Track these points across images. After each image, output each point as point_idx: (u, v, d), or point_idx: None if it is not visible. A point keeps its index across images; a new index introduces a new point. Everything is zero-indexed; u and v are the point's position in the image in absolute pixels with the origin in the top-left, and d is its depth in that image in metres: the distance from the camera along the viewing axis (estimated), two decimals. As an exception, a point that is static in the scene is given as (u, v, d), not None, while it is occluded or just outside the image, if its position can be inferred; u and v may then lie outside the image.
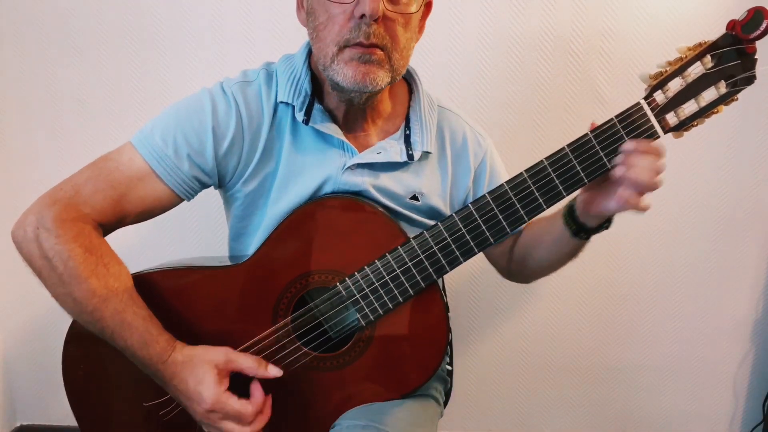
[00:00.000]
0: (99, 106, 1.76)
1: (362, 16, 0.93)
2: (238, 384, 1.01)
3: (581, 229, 1.04)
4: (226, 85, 1.08)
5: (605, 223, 1.04)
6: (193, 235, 1.86)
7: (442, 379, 1.31)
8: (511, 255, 1.25)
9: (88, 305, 0.95)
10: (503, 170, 1.25)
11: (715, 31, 0.92)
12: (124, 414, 1.09)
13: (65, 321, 1.01)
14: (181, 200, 1.08)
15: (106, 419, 1.10)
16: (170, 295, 1.06)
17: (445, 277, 1.41)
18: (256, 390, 1.02)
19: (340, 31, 0.96)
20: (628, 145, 0.93)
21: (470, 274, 1.88)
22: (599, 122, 0.96)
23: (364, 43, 0.95)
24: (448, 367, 1.36)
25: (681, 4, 1.63)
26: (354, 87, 0.98)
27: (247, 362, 1.01)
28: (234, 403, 0.96)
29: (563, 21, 1.66)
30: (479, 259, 1.80)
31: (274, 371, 1.03)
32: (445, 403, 1.31)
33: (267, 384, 1.03)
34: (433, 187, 1.15)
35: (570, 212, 1.05)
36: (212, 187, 1.13)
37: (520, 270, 1.25)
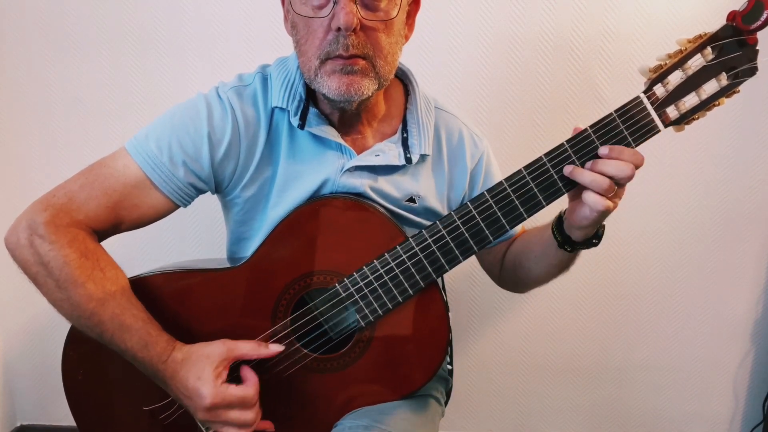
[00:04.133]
0: (97, 106, 1.76)
1: (338, 28, 0.93)
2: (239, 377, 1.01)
3: (566, 241, 1.04)
4: (222, 90, 1.08)
5: (593, 239, 1.04)
6: (193, 238, 1.86)
7: (443, 379, 1.31)
8: (502, 263, 1.25)
9: (86, 309, 0.94)
10: (498, 172, 1.24)
11: (716, 28, 0.92)
12: (125, 418, 1.09)
13: (65, 321, 1.00)
14: (177, 207, 1.08)
15: (106, 423, 1.10)
16: (169, 298, 1.06)
17: (444, 277, 1.41)
18: (247, 372, 1.01)
19: (320, 44, 0.96)
20: (602, 150, 0.93)
21: (469, 274, 1.88)
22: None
23: (344, 54, 0.95)
24: (449, 367, 1.36)
25: (681, 5, 1.63)
26: (339, 98, 0.98)
27: (246, 347, 1.00)
28: (234, 390, 0.96)
29: (563, 21, 1.66)
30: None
31: (275, 348, 1.02)
32: (446, 403, 1.31)
33: (267, 386, 1.03)
34: (430, 189, 1.15)
35: (558, 223, 1.05)
36: (209, 192, 1.12)
37: (510, 279, 1.25)
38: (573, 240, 1.03)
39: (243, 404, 0.97)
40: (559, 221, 1.05)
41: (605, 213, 0.94)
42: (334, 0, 0.93)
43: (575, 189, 0.97)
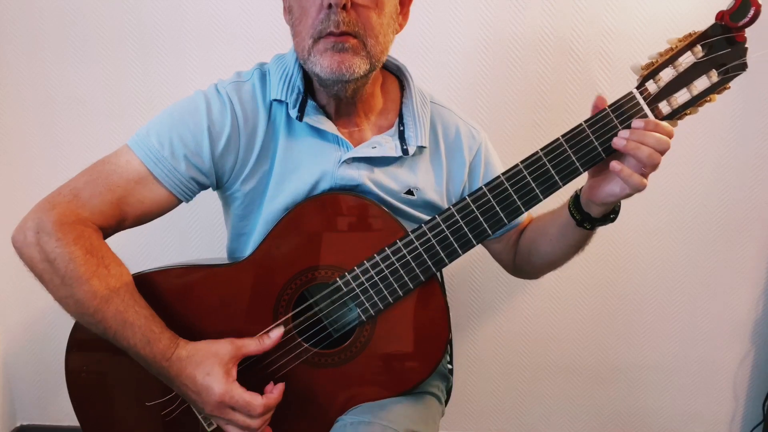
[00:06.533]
0: (99, 106, 1.76)
1: (330, 5, 0.95)
2: (246, 378, 1.01)
3: (585, 218, 1.05)
4: (221, 85, 1.09)
5: (611, 214, 1.05)
6: (193, 238, 1.86)
7: (443, 376, 1.31)
8: (515, 249, 1.26)
9: (89, 306, 0.95)
10: (499, 162, 1.25)
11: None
12: (127, 415, 1.10)
13: (65, 321, 1.01)
14: (180, 202, 1.08)
15: (109, 420, 1.11)
16: (171, 295, 1.06)
17: (444, 277, 1.41)
18: (277, 389, 1.03)
19: (313, 23, 0.98)
20: (636, 122, 0.94)
21: (469, 274, 1.88)
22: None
23: (335, 32, 0.96)
24: (449, 366, 1.37)
25: (680, 5, 1.64)
26: (331, 76, 0.99)
27: (251, 344, 1.02)
28: (243, 393, 0.97)
29: (563, 21, 1.67)
30: (479, 261, 1.81)
31: (276, 334, 1.04)
32: (446, 402, 1.31)
33: (270, 379, 1.05)
34: (429, 181, 1.16)
35: (575, 201, 1.06)
36: (210, 188, 1.13)
37: (526, 264, 1.25)
38: (592, 217, 1.04)
39: (247, 410, 0.97)
40: (575, 200, 1.06)
41: (638, 190, 0.95)
42: None
43: (597, 166, 0.98)
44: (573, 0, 1.65)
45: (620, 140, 0.94)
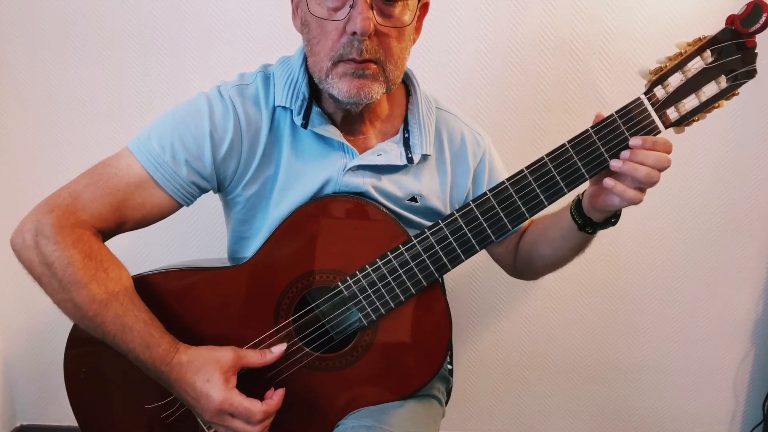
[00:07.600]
0: (99, 106, 1.76)
1: (354, 32, 0.94)
2: (246, 383, 1.01)
3: (587, 223, 1.05)
4: (224, 88, 1.08)
5: (612, 218, 1.05)
6: (193, 238, 1.86)
7: (443, 378, 1.31)
8: (516, 252, 1.26)
9: (88, 311, 0.95)
10: (502, 168, 1.25)
11: (715, 30, 0.93)
12: (127, 417, 1.09)
13: (65, 321, 1.00)
14: (180, 206, 1.08)
15: (107, 422, 1.10)
16: (172, 297, 1.06)
17: (444, 277, 1.41)
18: (277, 395, 1.02)
19: (333, 46, 0.97)
20: (634, 141, 0.94)
21: (469, 274, 1.88)
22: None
23: (357, 59, 0.96)
24: (449, 366, 1.37)
25: (680, 4, 1.64)
26: (349, 100, 0.99)
27: (254, 357, 1.01)
28: (242, 401, 0.96)
29: (563, 21, 1.66)
30: (479, 260, 1.81)
31: (278, 349, 1.03)
32: (446, 403, 1.31)
33: (270, 385, 1.05)
34: (432, 188, 1.15)
35: (577, 206, 1.06)
36: (211, 191, 1.12)
37: (526, 267, 1.25)
38: (594, 221, 1.04)
39: (246, 417, 0.97)
40: (577, 204, 1.06)
41: (634, 204, 0.95)
42: (350, 4, 0.94)
43: (599, 174, 0.98)
44: (573, 0, 1.65)
45: (617, 162, 0.94)
